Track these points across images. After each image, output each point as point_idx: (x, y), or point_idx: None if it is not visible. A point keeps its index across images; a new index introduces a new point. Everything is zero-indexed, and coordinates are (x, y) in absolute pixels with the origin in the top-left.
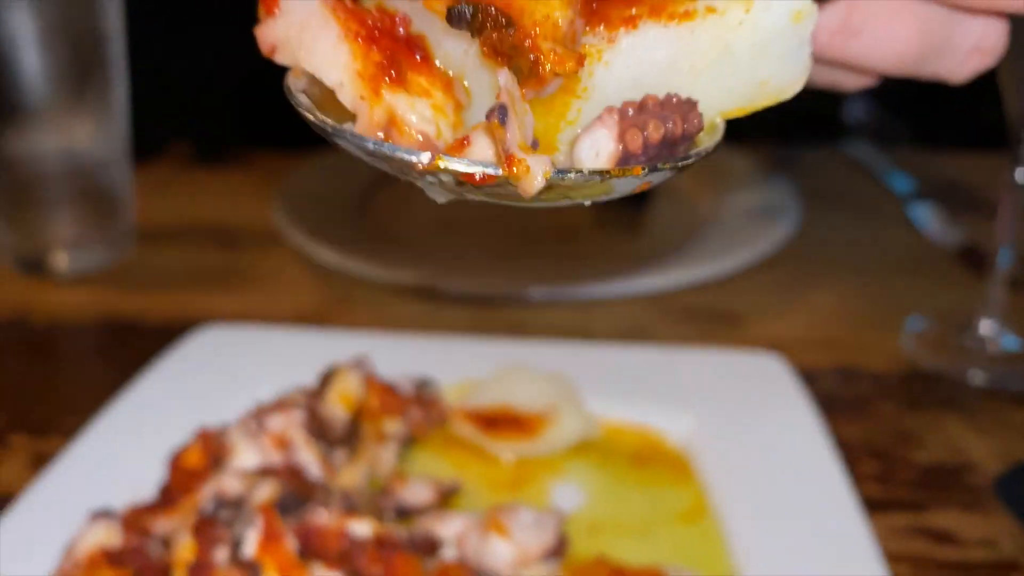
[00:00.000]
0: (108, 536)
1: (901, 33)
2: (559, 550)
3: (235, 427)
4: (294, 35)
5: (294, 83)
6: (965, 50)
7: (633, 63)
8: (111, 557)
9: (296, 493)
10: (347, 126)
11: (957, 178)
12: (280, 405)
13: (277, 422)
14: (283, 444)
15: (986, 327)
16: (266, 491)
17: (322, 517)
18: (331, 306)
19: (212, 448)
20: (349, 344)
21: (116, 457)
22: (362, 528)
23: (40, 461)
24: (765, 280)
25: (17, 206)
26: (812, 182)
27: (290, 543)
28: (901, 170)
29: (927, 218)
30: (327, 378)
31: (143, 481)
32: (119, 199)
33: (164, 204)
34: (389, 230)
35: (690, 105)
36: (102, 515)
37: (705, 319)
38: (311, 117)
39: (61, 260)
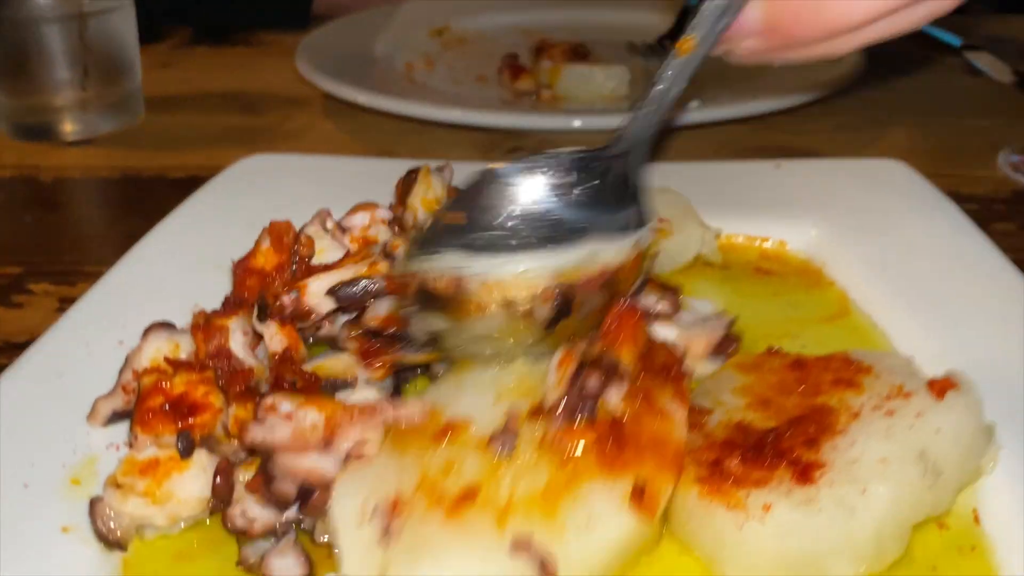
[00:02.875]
0: (170, 346)
1: None
2: (729, 348)
3: (312, 224)
4: None
5: None
6: None
7: None
8: (189, 363)
9: None
10: None
11: (999, 33)
12: (362, 205)
13: (360, 219)
14: (367, 244)
15: None
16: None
17: None
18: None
19: (285, 246)
20: (404, 169)
21: (164, 277)
22: None
23: (67, 305)
24: (835, 122)
25: (20, 71)
26: None
27: None
28: (945, 28)
29: (986, 62)
30: (410, 179)
31: (194, 298)
32: (124, 61)
33: (172, 76)
34: (417, 80)
35: None
36: (161, 326)
37: (781, 156)
38: None
39: (67, 125)
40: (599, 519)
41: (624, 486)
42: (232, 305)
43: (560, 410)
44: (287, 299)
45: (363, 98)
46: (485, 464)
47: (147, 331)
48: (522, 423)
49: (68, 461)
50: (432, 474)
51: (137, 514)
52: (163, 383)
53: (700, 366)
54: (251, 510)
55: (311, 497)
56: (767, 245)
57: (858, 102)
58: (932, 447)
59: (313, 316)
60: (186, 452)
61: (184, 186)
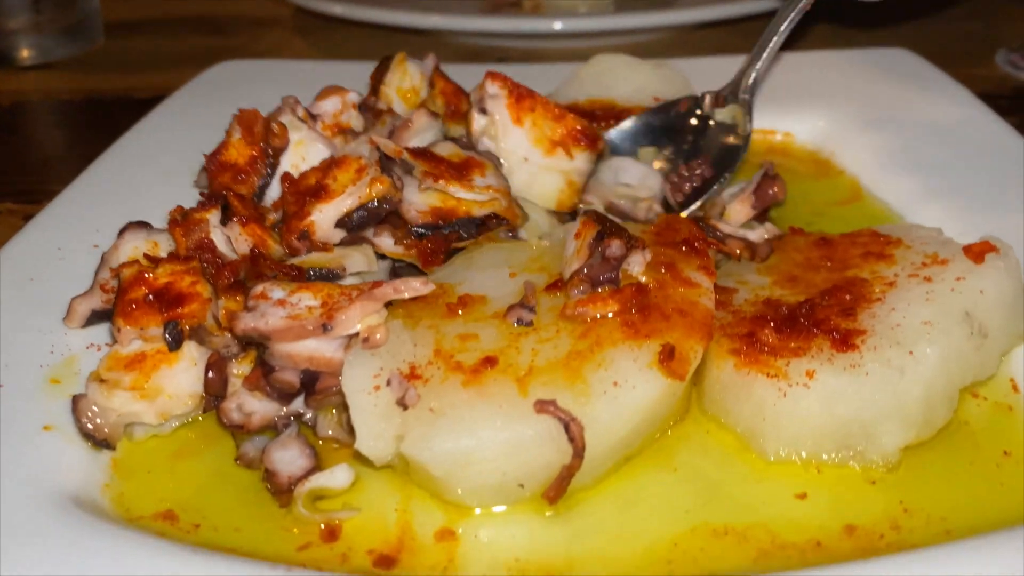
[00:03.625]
0: (148, 244)
1: None
2: (771, 188)
3: (283, 113)
4: None
5: None
6: None
7: None
8: (173, 255)
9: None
10: None
11: None
12: (331, 89)
13: (331, 104)
14: (341, 131)
15: None
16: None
17: None
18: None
19: (256, 136)
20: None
21: (138, 181)
22: None
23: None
24: (823, 29)
25: None
26: None
27: None
28: None
29: None
30: (384, 66)
31: (170, 201)
32: None
33: (131, 1)
34: None
35: None
36: (138, 224)
37: None
38: None
39: (22, 50)
40: (626, 381)
41: (650, 350)
42: (210, 200)
43: (581, 278)
44: (297, 243)
45: (339, 8)
46: (503, 335)
47: (123, 230)
48: (539, 296)
49: (46, 361)
50: (448, 345)
51: (125, 410)
52: (145, 274)
53: (744, 211)
54: (247, 404)
55: (316, 383)
56: (773, 138)
57: (848, 10)
58: (976, 308)
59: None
60: (174, 344)
61: (152, 106)
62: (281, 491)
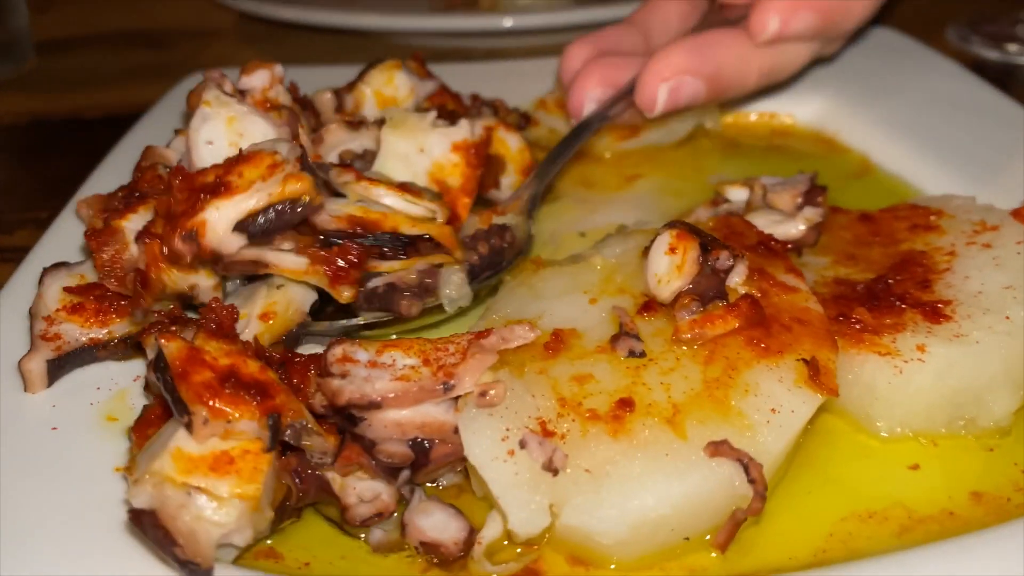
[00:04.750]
0: (73, 280)
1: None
2: (819, 196)
3: (208, 90)
4: None
5: None
6: None
7: None
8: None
9: None
10: None
11: None
12: (257, 63)
13: (259, 79)
14: (269, 106)
15: None
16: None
17: None
18: None
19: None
20: None
21: None
22: None
23: (7, 254)
24: None
25: None
26: None
27: None
28: None
29: None
30: (371, 64)
31: None
32: (5, 4)
33: (56, 20)
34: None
35: None
36: (55, 267)
37: None
38: None
39: None
40: (782, 405)
41: (790, 367)
42: (132, 200)
43: (691, 297)
44: (181, 245)
45: (288, 12)
46: (620, 371)
47: (42, 277)
48: (635, 320)
49: (95, 399)
50: (568, 391)
51: (232, 527)
52: (203, 355)
53: (798, 221)
54: (366, 490)
55: (430, 452)
56: (775, 121)
57: None
58: None
59: (222, 259)
60: (273, 442)
61: (106, 125)
62: (453, 560)
